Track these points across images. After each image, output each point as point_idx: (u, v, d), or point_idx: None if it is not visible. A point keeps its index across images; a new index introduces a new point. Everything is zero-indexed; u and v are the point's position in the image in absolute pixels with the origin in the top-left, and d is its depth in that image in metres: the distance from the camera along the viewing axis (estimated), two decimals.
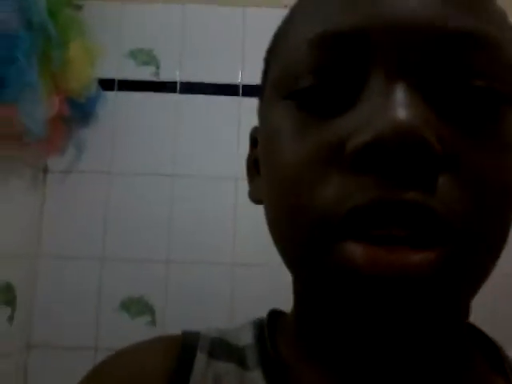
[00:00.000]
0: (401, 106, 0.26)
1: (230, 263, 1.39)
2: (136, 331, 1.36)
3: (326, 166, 0.28)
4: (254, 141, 0.41)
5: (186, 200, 1.43)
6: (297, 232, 0.30)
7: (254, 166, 0.40)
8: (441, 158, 0.26)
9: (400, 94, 0.27)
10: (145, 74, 1.48)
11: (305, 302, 0.37)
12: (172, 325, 1.37)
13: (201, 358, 0.37)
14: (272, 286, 1.16)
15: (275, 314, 0.42)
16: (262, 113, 0.36)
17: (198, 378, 0.36)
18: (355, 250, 0.27)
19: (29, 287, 1.38)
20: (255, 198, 0.39)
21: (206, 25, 1.50)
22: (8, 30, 1.00)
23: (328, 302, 0.30)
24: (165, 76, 1.48)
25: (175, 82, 1.48)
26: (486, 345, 0.40)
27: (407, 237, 0.26)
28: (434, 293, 0.27)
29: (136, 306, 1.39)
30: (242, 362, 0.37)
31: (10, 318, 1.29)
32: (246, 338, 0.40)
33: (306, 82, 0.30)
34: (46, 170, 1.43)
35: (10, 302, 1.29)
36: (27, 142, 1.14)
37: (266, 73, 0.37)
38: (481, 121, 0.29)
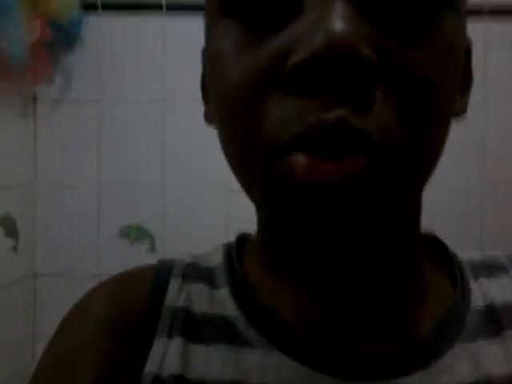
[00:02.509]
0: (337, 19, 0.25)
1: (225, 184, 1.40)
2: (137, 257, 1.39)
3: (267, 86, 0.28)
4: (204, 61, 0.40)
5: (177, 124, 1.42)
6: (242, 157, 0.31)
7: (205, 89, 0.40)
8: (377, 70, 0.26)
9: (337, 7, 0.26)
10: None
11: (264, 221, 0.39)
12: (171, 250, 1.40)
13: (174, 282, 0.40)
14: None
15: (244, 237, 0.44)
16: (206, 32, 0.35)
17: (171, 299, 0.39)
18: (296, 160, 0.27)
19: (29, 217, 1.39)
20: (209, 119, 0.40)
21: None
22: None
23: (279, 215, 0.31)
24: None
25: (160, 3, 1.41)
26: (439, 251, 0.42)
27: (344, 150, 0.27)
28: (366, 196, 0.27)
29: (135, 233, 1.41)
30: (211, 282, 0.40)
31: (14, 248, 1.31)
32: (216, 260, 0.42)
33: None
34: (35, 99, 1.41)
35: (12, 232, 1.31)
36: (11, 68, 1.11)
37: None
38: (418, 26, 0.28)
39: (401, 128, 0.27)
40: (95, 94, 1.42)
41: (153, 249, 1.43)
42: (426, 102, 0.28)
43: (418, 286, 0.37)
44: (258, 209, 0.37)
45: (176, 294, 0.39)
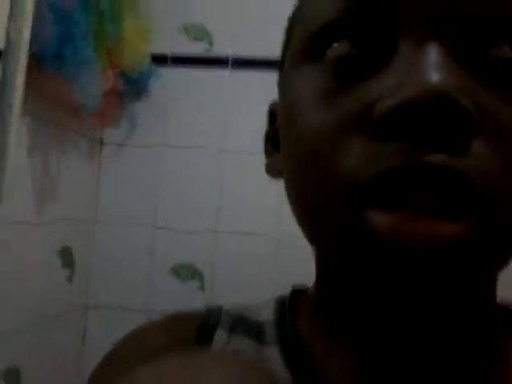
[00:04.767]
0: (432, 68, 0.24)
1: (274, 232, 1.43)
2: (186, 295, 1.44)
3: (350, 134, 0.26)
4: (271, 117, 0.40)
5: (234, 174, 1.48)
6: (319, 203, 0.28)
7: (271, 144, 0.39)
8: (474, 122, 0.24)
9: (431, 56, 0.25)
10: (197, 49, 1.52)
11: (327, 278, 0.35)
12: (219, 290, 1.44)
13: (221, 335, 0.37)
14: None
15: (298, 291, 0.41)
16: (282, 83, 0.35)
17: None
18: (378, 218, 0.25)
19: (86, 251, 1.48)
20: (272, 171, 0.38)
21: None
22: (64, 9, 1.05)
23: (350, 274, 0.29)
24: (217, 51, 1.51)
25: (227, 58, 1.50)
26: None
27: (435, 204, 0.24)
28: (459, 266, 0.25)
29: (186, 271, 1.47)
30: (260, 338, 0.37)
31: (69, 279, 1.39)
32: (267, 314, 0.39)
33: (332, 44, 0.28)
34: (102, 142, 1.51)
35: (70, 262, 1.38)
36: (83, 115, 1.21)
37: (287, 42, 0.35)
38: None
39: (500, 178, 0.25)
40: (158, 140, 1.51)
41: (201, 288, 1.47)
42: None
43: (496, 368, 0.32)
44: (324, 262, 0.35)
45: (222, 348, 0.36)
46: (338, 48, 0.28)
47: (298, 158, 0.30)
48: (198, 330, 0.38)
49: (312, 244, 0.32)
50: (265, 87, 1.44)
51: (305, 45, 0.30)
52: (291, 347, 0.35)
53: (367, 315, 0.32)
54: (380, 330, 0.31)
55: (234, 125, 1.49)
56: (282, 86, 0.35)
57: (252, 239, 1.46)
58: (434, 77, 0.24)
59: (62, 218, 1.33)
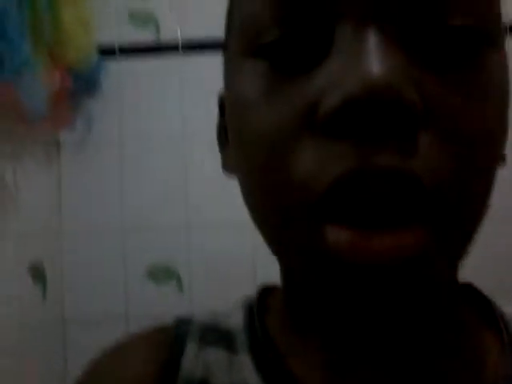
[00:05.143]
0: (372, 58, 0.23)
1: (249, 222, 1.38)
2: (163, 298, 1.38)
3: (298, 133, 0.25)
4: (222, 107, 0.37)
5: (200, 164, 1.41)
6: (273, 212, 0.27)
7: (224, 134, 0.36)
8: (420, 115, 0.23)
9: (370, 44, 0.23)
10: (145, 35, 1.44)
11: (289, 282, 0.35)
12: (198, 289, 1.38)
13: (191, 348, 0.36)
14: None
15: (266, 291, 0.40)
16: (227, 74, 0.32)
17: (188, 368, 0.35)
18: (338, 235, 0.24)
19: (56, 263, 1.40)
20: (227, 169, 0.37)
21: None
22: None
23: (312, 285, 0.28)
24: (166, 36, 1.44)
25: (177, 42, 1.42)
26: (481, 303, 0.37)
27: (390, 213, 0.24)
28: (423, 273, 0.25)
29: (162, 273, 1.40)
30: (231, 347, 0.36)
31: (43, 295, 1.32)
32: (236, 319, 0.38)
33: (270, 34, 0.26)
34: (58, 145, 1.43)
35: (41, 278, 1.31)
36: (31, 120, 1.12)
37: (228, 26, 0.32)
38: (462, 65, 0.25)
39: (450, 174, 0.24)
40: (116, 138, 1.43)
41: (180, 289, 1.41)
42: (474, 149, 0.25)
43: (461, 353, 0.33)
44: (285, 268, 0.34)
45: (193, 362, 0.36)
46: (272, 40, 0.26)
47: (245, 160, 0.29)
48: (169, 344, 0.37)
49: (270, 249, 0.31)
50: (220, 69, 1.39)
51: (242, 38, 0.29)
52: (262, 354, 0.35)
53: (331, 318, 0.32)
54: (346, 330, 0.31)
55: (195, 110, 1.42)
56: (226, 76, 0.32)
57: (227, 232, 1.40)
58: (375, 68, 0.22)
59: (25, 231, 1.25)
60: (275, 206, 0.27)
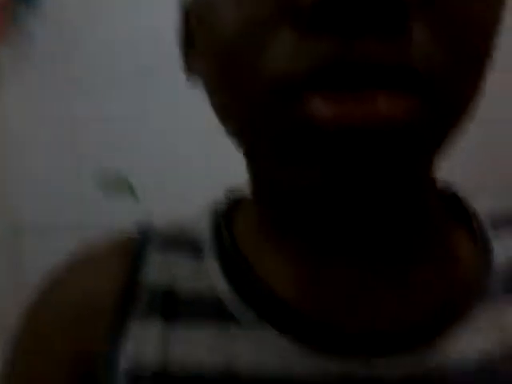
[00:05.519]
0: None
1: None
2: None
3: (278, 25, 0.24)
4: (186, 9, 0.35)
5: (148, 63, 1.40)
6: (249, 97, 0.25)
7: (187, 39, 0.35)
8: (411, 4, 0.22)
9: None
10: None
11: (260, 179, 0.34)
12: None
13: (153, 256, 0.36)
14: None
15: (235, 194, 0.40)
16: None
17: (149, 276, 0.35)
18: (319, 103, 0.23)
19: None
20: (192, 73, 0.35)
21: None
22: None
23: (287, 167, 0.26)
24: None
25: None
26: (455, 200, 0.38)
27: (383, 80, 0.23)
28: (405, 145, 0.24)
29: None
30: (197, 253, 0.36)
31: None
32: (202, 226, 0.37)
33: None
34: None
35: None
36: None
37: None
38: None
39: (443, 62, 0.23)
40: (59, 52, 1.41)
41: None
42: (468, 39, 0.24)
43: (436, 247, 0.33)
44: (255, 162, 0.32)
45: (156, 270, 0.35)
46: None
47: (217, 51, 0.27)
48: (129, 253, 0.37)
49: (239, 145, 0.30)
50: None
51: None
52: (230, 258, 0.34)
53: (306, 212, 0.31)
54: (321, 219, 0.30)
55: (144, 29, 1.39)
56: None
57: (179, 134, 1.41)
58: None
59: None
60: (247, 95, 0.25)
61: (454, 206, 0.37)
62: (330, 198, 0.28)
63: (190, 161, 1.42)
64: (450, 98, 0.25)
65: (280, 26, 0.24)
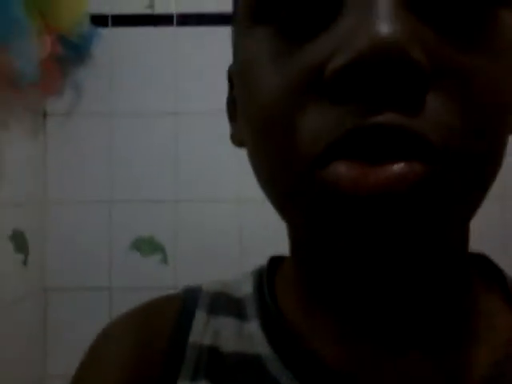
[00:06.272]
0: (382, 20, 0.23)
1: (236, 199, 1.39)
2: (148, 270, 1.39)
3: (304, 96, 0.25)
4: (231, 81, 0.37)
5: (190, 137, 1.41)
6: (278, 170, 0.28)
7: (233, 107, 0.36)
8: (428, 75, 0.23)
9: (382, 5, 0.23)
10: (139, 6, 1.42)
11: (298, 246, 0.35)
12: (183, 262, 1.39)
13: (200, 316, 0.37)
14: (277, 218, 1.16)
15: (276, 260, 0.40)
16: (235, 43, 0.33)
17: (196, 336, 0.36)
18: (339, 169, 0.24)
19: (40, 233, 1.39)
20: (237, 141, 0.36)
21: None
22: None
23: (319, 236, 0.27)
24: (160, 8, 1.42)
25: (171, 15, 1.41)
26: (491, 271, 0.37)
27: (394, 154, 0.24)
28: (419, 209, 0.24)
29: (147, 246, 1.40)
30: (240, 314, 0.37)
31: (24, 263, 1.31)
32: (246, 289, 0.39)
33: (280, 3, 0.27)
34: (45, 114, 1.41)
35: (22, 248, 1.30)
36: (22, 85, 1.11)
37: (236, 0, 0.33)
38: (473, 26, 0.25)
39: (459, 133, 0.24)
40: (106, 107, 1.41)
41: (164, 261, 1.42)
42: (484, 110, 0.25)
43: (470, 317, 0.33)
44: (294, 230, 0.34)
45: (202, 330, 0.36)
46: (280, 5, 0.26)
47: (253, 125, 0.29)
48: (177, 312, 0.38)
49: (280, 215, 0.31)
50: (212, 42, 1.40)
51: (252, 8, 0.29)
52: (272, 321, 0.35)
53: (340, 277, 0.32)
54: (356, 288, 0.31)
55: (185, 85, 1.41)
56: (235, 45, 0.33)
57: (213, 206, 1.40)
58: (384, 29, 0.22)
59: (10, 200, 1.23)
60: (280, 167, 0.27)
61: (487, 273, 0.37)
62: (356, 264, 0.29)
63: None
64: (466, 168, 0.25)
65: (307, 97, 0.25)
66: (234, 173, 1.37)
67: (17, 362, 1.26)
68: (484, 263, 0.38)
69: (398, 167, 0.23)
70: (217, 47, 1.38)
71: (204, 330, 0.36)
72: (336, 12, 0.25)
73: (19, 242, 1.29)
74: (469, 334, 0.32)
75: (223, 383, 0.33)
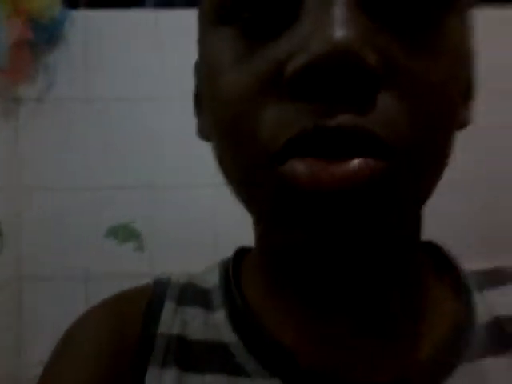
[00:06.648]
0: (337, 24, 0.24)
1: (212, 185, 1.38)
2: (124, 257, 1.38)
3: (265, 94, 0.27)
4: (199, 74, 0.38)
5: (167, 123, 1.39)
6: (239, 164, 0.29)
7: (200, 101, 0.37)
8: (380, 77, 0.25)
9: (337, 9, 0.25)
10: None
11: (262, 235, 0.37)
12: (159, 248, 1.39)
13: (168, 307, 0.39)
14: None
15: (242, 252, 0.42)
16: (201, 41, 0.34)
17: (165, 325, 0.38)
18: (297, 166, 0.26)
19: (15, 220, 1.37)
20: (204, 135, 0.38)
21: None
22: None
23: (278, 226, 0.29)
24: None
25: None
26: (440, 257, 0.40)
27: (348, 151, 0.25)
28: (373, 203, 0.26)
29: (123, 233, 1.40)
30: (207, 305, 0.38)
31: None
32: (213, 280, 0.40)
33: (242, 4, 0.28)
34: (17, 100, 1.38)
35: None
36: None
37: None
38: (422, 30, 0.27)
39: (408, 129, 0.26)
40: (81, 93, 1.39)
41: (140, 248, 1.41)
42: (431, 107, 0.27)
43: (421, 302, 0.36)
44: (257, 223, 0.36)
45: (170, 319, 0.38)
46: (243, 9, 0.28)
47: (217, 122, 0.30)
48: (148, 303, 0.39)
49: (243, 205, 0.32)
50: (189, 25, 1.37)
51: (216, 9, 0.30)
52: (237, 311, 0.37)
53: (302, 263, 0.33)
54: (316, 275, 0.33)
55: (162, 68, 1.39)
56: (200, 43, 0.34)
57: (189, 193, 1.40)
58: (338, 33, 0.24)
59: None
60: (242, 162, 0.29)
61: (439, 261, 0.40)
62: (316, 255, 0.31)
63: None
64: (417, 161, 0.27)
65: (267, 98, 0.27)
66: (210, 159, 1.35)
67: None
68: (439, 253, 0.40)
69: (353, 164, 0.25)
70: (193, 30, 1.36)
71: (172, 320, 0.38)
72: (295, 14, 0.26)
73: None
74: (419, 319, 0.35)
75: (191, 369, 0.35)
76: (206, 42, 0.32)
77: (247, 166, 0.28)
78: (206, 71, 0.32)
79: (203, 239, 1.37)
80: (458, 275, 0.38)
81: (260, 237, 0.37)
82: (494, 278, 0.39)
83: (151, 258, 1.40)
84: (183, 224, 1.39)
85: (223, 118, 0.29)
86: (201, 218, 1.39)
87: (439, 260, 0.40)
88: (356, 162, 0.25)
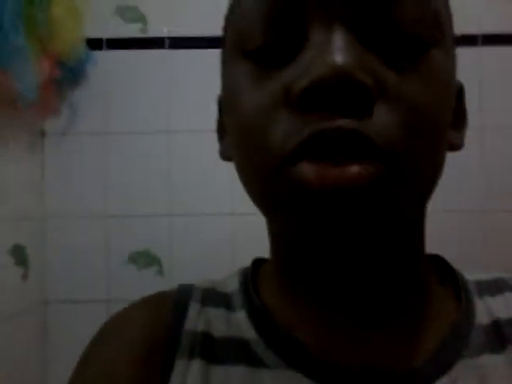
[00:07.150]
0: (337, 52, 0.30)
1: (230, 213, 1.44)
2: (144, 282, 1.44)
3: (276, 109, 0.32)
4: (220, 107, 0.44)
5: (182, 154, 1.47)
6: (256, 170, 0.34)
7: (222, 129, 0.43)
8: (374, 92, 0.30)
9: (337, 40, 0.31)
10: (133, 31, 1.49)
11: (276, 238, 0.41)
12: (178, 274, 1.44)
13: (193, 307, 0.43)
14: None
15: (259, 261, 0.47)
16: (223, 72, 0.40)
17: (190, 323, 0.41)
18: (306, 168, 0.30)
19: (39, 246, 1.44)
20: (225, 156, 0.43)
21: None
22: None
23: (290, 223, 0.33)
24: (152, 32, 1.49)
25: (163, 38, 1.49)
26: (445, 268, 0.44)
27: (350, 155, 0.30)
28: (373, 202, 0.30)
29: (143, 259, 1.46)
30: (228, 306, 0.42)
31: (24, 277, 1.35)
32: (232, 285, 0.44)
33: (257, 42, 0.34)
34: (43, 134, 1.46)
35: (22, 262, 1.35)
36: (21, 106, 1.16)
37: (224, 38, 0.40)
38: (410, 59, 0.32)
39: (400, 139, 0.31)
40: (101, 126, 1.47)
41: (160, 272, 1.46)
42: (419, 121, 0.31)
43: (423, 303, 0.39)
44: (271, 224, 0.40)
45: (196, 318, 0.41)
46: (258, 46, 0.34)
47: (236, 137, 0.36)
48: (174, 304, 0.43)
49: (260, 211, 0.37)
50: (203, 64, 1.46)
51: (236, 47, 0.36)
52: (256, 311, 0.41)
53: (312, 261, 0.37)
54: (325, 274, 0.37)
55: (177, 104, 1.48)
56: (223, 76, 0.40)
57: (207, 220, 1.46)
58: (339, 58, 0.29)
59: (9, 216, 1.28)
60: (258, 166, 0.34)
61: (441, 269, 0.44)
62: (324, 248, 0.34)
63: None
64: (410, 166, 0.31)
65: (278, 111, 0.32)
66: (226, 187, 1.42)
67: (17, 376, 1.29)
68: (440, 262, 0.45)
69: (354, 168, 0.29)
70: (207, 69, 1.45)
71: (197, 319, 0.41)
72: (302, 46, 0.32)
73: (19, 256, 1.33)
74: (422, 316, 0.39)
75: (215, 361, 0.39)
76: (228, 75, 0.38)
77: (263, 169, 0.33)
78: (227, 97, 0.38)
79: (221, 264, 1.41)
80: (460, 282, 0.42)
81: (274, 239, 0.41)
82: (495, 286, 0.43)
83: (171, 283, 1.43)
84: (201, 250, 1.45)
85: (242, 131, 0.35)
86: (219, 244, 1.45)
87: (443, 269, 0.44)
88: (356, 166, 0.29)
